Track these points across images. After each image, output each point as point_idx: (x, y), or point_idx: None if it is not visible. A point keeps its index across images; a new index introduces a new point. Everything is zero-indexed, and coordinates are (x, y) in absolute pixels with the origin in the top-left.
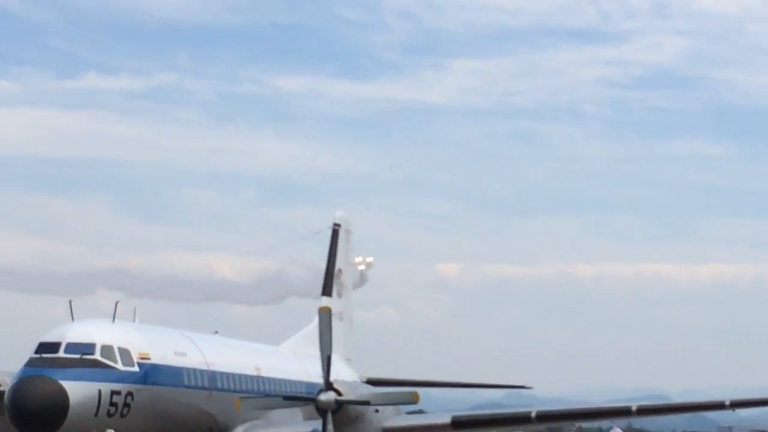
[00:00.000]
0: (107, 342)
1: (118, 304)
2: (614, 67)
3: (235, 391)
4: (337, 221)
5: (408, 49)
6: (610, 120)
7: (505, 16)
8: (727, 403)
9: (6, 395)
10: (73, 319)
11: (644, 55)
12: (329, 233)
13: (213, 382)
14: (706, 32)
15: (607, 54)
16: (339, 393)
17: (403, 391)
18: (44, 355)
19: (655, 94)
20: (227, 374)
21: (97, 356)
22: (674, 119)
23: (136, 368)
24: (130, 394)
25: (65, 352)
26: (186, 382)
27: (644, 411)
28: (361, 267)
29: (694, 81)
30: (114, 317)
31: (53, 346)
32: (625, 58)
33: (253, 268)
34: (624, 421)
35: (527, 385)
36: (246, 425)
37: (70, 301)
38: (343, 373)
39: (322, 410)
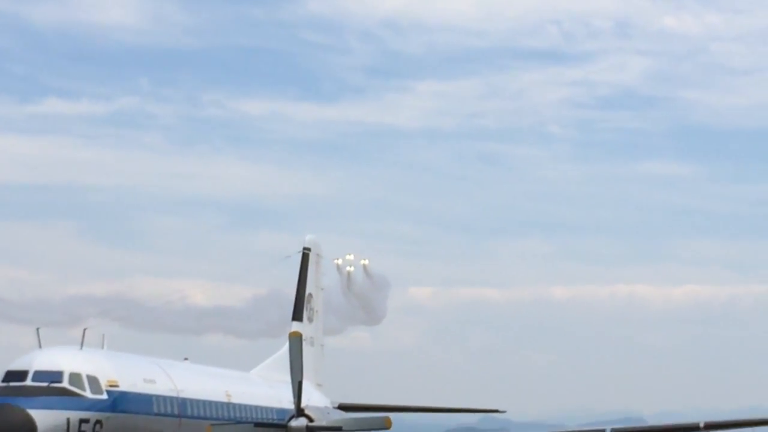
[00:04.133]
0: (75, 370)
1: (86, 331)
2: (578, 88)
3: (206, 418)
4: (306, 245)
5: (371, 72)
6: (576, 141)
7: (468, 38)
8: (702, 425)
9: None
10: (40, 346)
11: (608, 76)
12: (299, 257)
13: (183, 409)
14: (669, 52)
15: (571, 74)
16: (310, 419)
17: (375, 416)
18: (11, 384)
19: (620, 114)
20: (197, 401)
21: (65, 384)
22: (640, 140)
23: (104, 396)
24: (98, 422)
25: (33, 380)
26: (155, 410)
27: None
28: (349, 268)
29: (659, 101)
30: (82, 344)
31: (20, 375)
32: (590, 78)
33: (239, 294)
34: None
35: (501, 409)
36: None
37: (38, 329)
38: (314, 398)
39: None
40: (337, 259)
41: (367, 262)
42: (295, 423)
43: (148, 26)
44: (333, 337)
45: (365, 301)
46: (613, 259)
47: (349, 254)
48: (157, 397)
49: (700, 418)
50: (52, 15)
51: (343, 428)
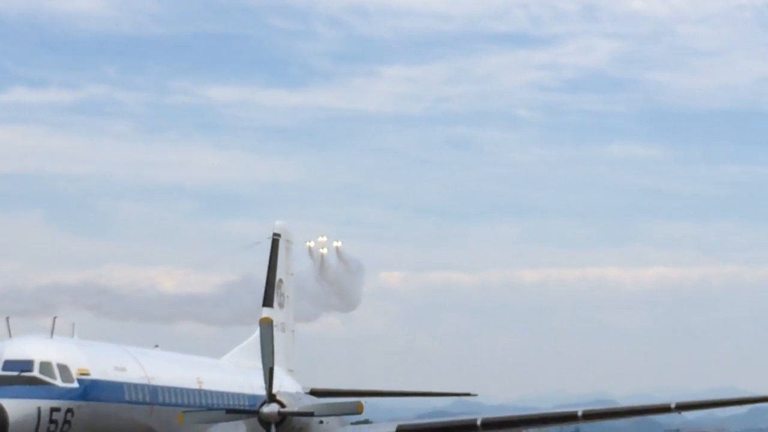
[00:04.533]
0: (45, 358)
1: (56, 320)
2: (546, 71)
3: (177, 406)
4: (276, 231)
5: (339, 57)
6: (544, 124)
7: (435, 22)
8: (673, 406)
9: None
10: (10, 335)
11: (575, 59)
12: (269, 243)
13: (154, 396)
14: (636, 34)
15: (539, 58)
16: (282, 405)
17: (347, 401)
18: None
19: (588, 97)
20: (169, 388)
21: (36, 373)
22: (608, 122)
23: (75, 384)
24: (70, 410)
25: (3, 369)
26: (127, 398)
27: (590, 416)
28: (322, 250)
29: (627, 83)
30: (52, 333)
31: None
32: (557, 61)
33: (210, 281)
34: (571, 427)
35: (473, 392)
36: None
37: (7, 318)
38: (286, 384)
39: (265, 423)
40: (309, 241)
41: (339, 244)
42: (266, 409)
43: (115, 14)
44: (307, 323)
45: (339, 287)
46: (582, 241)
47: (322, 236)
48: (129, 384)
49: (672, 399)
50: (17, 4)
51: (315, 413)
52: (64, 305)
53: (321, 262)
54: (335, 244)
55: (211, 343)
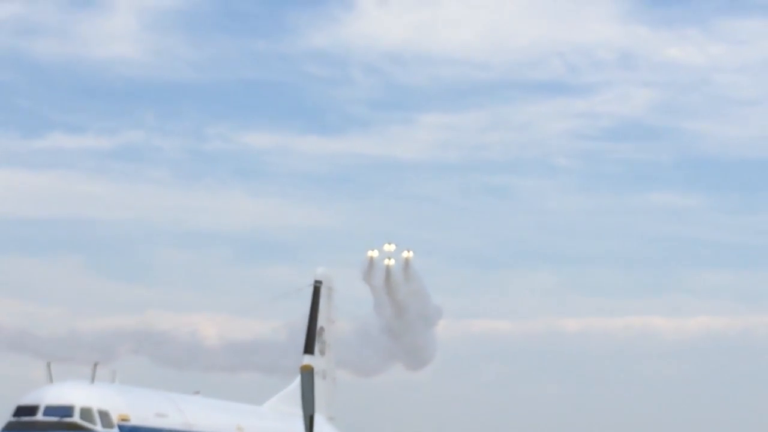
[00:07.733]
0: (86, 404)
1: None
2: (584, 120)
3: None
4: (318, 278)
5: (375, 104)
6: (582, 172)
7: (472, 70)
8: None
9: None
10: (51, 381)
11: (613, 107)
12: (310, 290)
13: None
14: (673, 83)
15: (576, 106)
16: None
17: None
18: (22, 419)
19: (625, 146)
20: None
21: (76, 419)
22: (646, 171)
23: (115, 430)
24: None
25: (44, 415)
26: None
27: None
28: (388, 261)
29: (664, 132)
30: (93, 379)
31: (31, 410)
32: (594, 110)
33: (251, 328)
34: None
35: None
36: None
37: (48, 363)
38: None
39: None
40: (372, 250)
41: (410, 254)
42: None
43: (152, 60)
44: (368, 378)
45: (411, 340)
46: (623, 290)
47: (390, 244)
48: (169, 431)
49: None
50: (55, 50)
51: None
52: (111, 351)
53: (387, 275)
54: (405, 255)
55: (254, 389)
